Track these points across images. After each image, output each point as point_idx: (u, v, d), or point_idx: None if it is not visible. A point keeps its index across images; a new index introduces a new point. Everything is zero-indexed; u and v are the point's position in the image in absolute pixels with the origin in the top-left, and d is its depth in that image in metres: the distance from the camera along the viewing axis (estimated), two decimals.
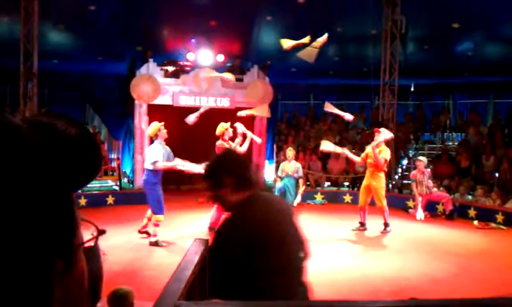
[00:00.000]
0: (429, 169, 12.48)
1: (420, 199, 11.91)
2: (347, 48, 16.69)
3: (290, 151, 10.91)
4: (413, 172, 12.28)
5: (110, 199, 12.55)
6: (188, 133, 15.22)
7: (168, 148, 8.74)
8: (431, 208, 12.26)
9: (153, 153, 8.49)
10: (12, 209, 0.50)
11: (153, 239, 8.68)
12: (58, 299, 0.56)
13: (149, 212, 8.82)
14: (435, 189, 12.27)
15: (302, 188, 10.87)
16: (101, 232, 0.72)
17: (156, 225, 8.66)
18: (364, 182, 10.38)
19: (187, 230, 9.87)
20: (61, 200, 0.56)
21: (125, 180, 15.62)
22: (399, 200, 13.46)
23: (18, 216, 0.51)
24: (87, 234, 0.70)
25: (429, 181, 12.03)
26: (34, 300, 0.52)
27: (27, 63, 12.90)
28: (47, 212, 0.54)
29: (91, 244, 0.69)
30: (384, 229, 10.27)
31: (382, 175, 10.07)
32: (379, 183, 10.04)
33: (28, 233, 0.52)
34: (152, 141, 8.91)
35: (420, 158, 12.50)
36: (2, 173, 0.51)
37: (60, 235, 0.56)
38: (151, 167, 8.44)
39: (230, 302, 2.32)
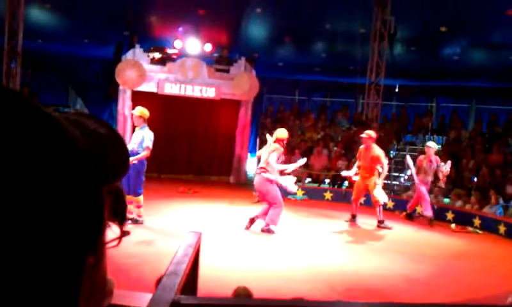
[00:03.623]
0: (438, 158, 11.30)
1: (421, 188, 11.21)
2: (335, 46, 16.73)
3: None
4: (420, 157, 11.45)
5: None
6: (172, 122, 15.17)
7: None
8: (413, 210, 12.39)
9: (150, 138, 8.68)
10: (51, 203, 0.50)
11: (140, 219, 8.92)
12: (84, 295, 0.56)
13: (128, 197, 8.84)
14: (442, 184, 11.52)
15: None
16: (124, 233, 0.72)
17: (140, 206, 8.92)
18: (358, 180, 10.75)
19: (167, 219, 9.82)
20: (93, 196, 0.55)
21: None
22: None
23: (57, 212, 0.51)
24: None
25: (443, 168, 10.97)
26: (63, 296, 0.52)
27: (12, 42, 12.70)
28: (82, 207, 0.54)
29: (115, 244, 0.69)
30: (383, 224, 10.55)
31: (374, 177, 10.49)
32: (371, 183, 10.45)
33: (65, 228, 0.52)
34: (134, 126, 9.15)
35: (429, 143, 11.61)
36: (46, 170, 0.50)
37: (94, 230, 0.56)
38: (146, 152, 8.62)
39: (227, 299, 2.32)
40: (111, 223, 0.70)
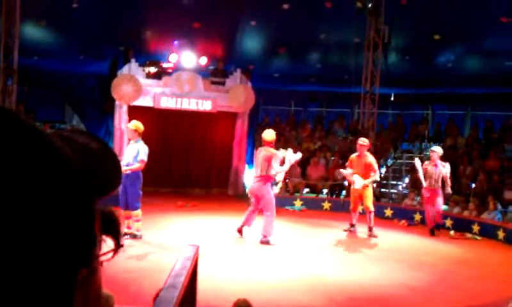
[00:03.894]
0: (447, 164, 11.09)
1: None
2: (330, 56, 16.80)
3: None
4: (426, 163, 11.26)
5: None
6: (169, 135, 15.17)
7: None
8: (410, 218, 12.42)
9: (145, 151, 8.72)
10: (43, 218, 0.51)
11: (138, 233, 8.89)
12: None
13: (124, 212, 8.83)
14: (449, 189, 11.14)
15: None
16: (119, 246, 0.72)
17: (138, 220, 8.92)
18: (352, 189, 10.81)
19: (165, 233, 9.80)
20: (85, 210, 0.56)
21: None
22: (377, 208, 13.52)
23: (48, 225, 0.52)
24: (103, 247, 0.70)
25: (447, 173, 10.89)
26: None
27: (8, 59, 12.72)
28: (74, 222, 0.55)
29: (109, 256, 0.70)
30: (371, 232, 10.56)
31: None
32: (367, 190, 10.56)
33: (57, 242, 0.53)
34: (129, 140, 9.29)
35: (434, 148, 11.48)
36: (37, 186, 0.52)
37: (85, 243, 0.58)
38: (139, 165, 8.66)
39: None
40: (105, 237, 0.71)
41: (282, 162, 9.54)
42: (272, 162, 9.22)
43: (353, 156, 10.82)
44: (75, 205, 0.55)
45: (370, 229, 10.64)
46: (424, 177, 11.04)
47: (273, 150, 9.36)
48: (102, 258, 0.67)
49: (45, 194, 0.52)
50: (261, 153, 9.42)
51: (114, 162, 0.79)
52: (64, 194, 0.54)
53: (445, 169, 10.91)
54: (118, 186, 0.81)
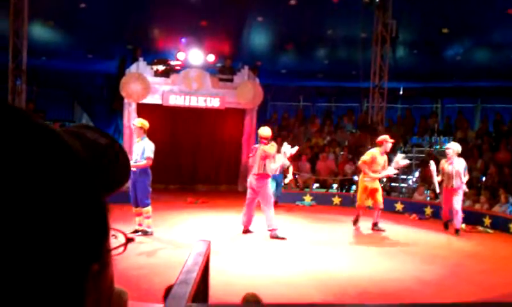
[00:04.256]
0: (462, 160, 10.41)
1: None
2: (337, 51, 16.75)
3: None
4: (442, 161, 10.69)
5: None
6: (177, 132, 15.22)
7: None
8: (421, 212, 12.37)
9: (151, 148, 8.80)
10: (55, 214, 0.51)
11: (149, 230, 8.99)
12: (90, 303, 0.57)
13: (135, 210, 8.91)
14: (464, 186, 10.42)
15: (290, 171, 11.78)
16: (129, 240, 0.72)
17: (149, 217, 8.99)
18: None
19: (176, 230, 9.83)
20: (95, 204, 0.57)
21: None
22: (388, 203, 13.49)
23: (60, 221, 0.52)
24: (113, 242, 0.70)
25: (464, 171, 10.27)
26: (68, 304, 0.53)
27: (16, 60, 12.79)
28: (84, 215, 0.55)
29: (120, 251, 0.70)
30: (377, 226, 10.54)
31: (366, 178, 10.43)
32: (375, 184, 10.47)
33: (68, 236, 0.53)
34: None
35: (450, 144, 10.85)
36: (49, 181, 0.52)
37: (96, 238, 0.58)
38: (146, 162, 8.74)
39: (237, 306, 2.32)
40: (115, 231, 0.71)
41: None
42: (267, 162, 9.33)
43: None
44: (86, 199, 0.55)
45: (374, 224, 10.59)
46: (442, 177, 10.49)
47: (268, 150, 9.38)
48: (113, 253, 0.67)
49: (56, 189, 0.52)
50: (258, 150, 9.45)
51: (123, 157, 0.79)
52: (75, 188, 0.54)
53: (460, 165, 10.30)
54: (127, 181, 0.81)
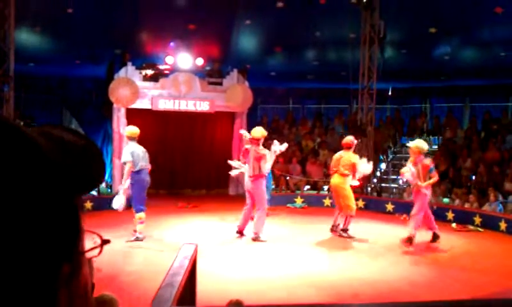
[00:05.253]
0: (428, 160, 9.44)
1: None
2: (326, 53, 16.77)
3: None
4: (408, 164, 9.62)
5: (88, 204, 12.37)
6: (167, 137, 15.17)
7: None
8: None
9: (125, 152, 8.90)
10: (22, 213, 0.50)
11: (140, 236, 8.99)
12: (64, 304, 0.55)
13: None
14: (427, 191, 9.24)
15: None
16: (105, 241, 0.71)
17: (142, 223, 9.00)
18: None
19: (167, 235, 9.78)
20: (67, 205, 0.56)
21: (103, 184, 15.43)
22: (378, 203, 13.55)
23: (28, 221, 0.51)
24: (89, 243, 0.68)
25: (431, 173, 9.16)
26: (39, 304, 0.52)
27: (3, 66, 12.68)
28: (55, 217, 0.54)
29: (95, 253, 0.68)
30: (345, 233, 10.11)
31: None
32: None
33: (37, 237, 0.51)
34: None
35: (409, 144, 9.90)
36: (15, 180, 0.51)
37: (67, 238, 0.56)
38: (127, 168, 8.77)
39: None
40: (91, 233, 0.69)
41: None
42: (261, 163, 9.36)
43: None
44: (54, 198, 0.54)
45: (343, 229, 10.10)
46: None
47: (262, 150, 9.41)
48: (88, 254, 0.65)
49: (21, 187, 0.50)
50: (251, 152, 9.44)
51: (98, 158, 0.77)
52: (41, 186, 0.53)
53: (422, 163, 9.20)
54: (101, 183, 0.80)
